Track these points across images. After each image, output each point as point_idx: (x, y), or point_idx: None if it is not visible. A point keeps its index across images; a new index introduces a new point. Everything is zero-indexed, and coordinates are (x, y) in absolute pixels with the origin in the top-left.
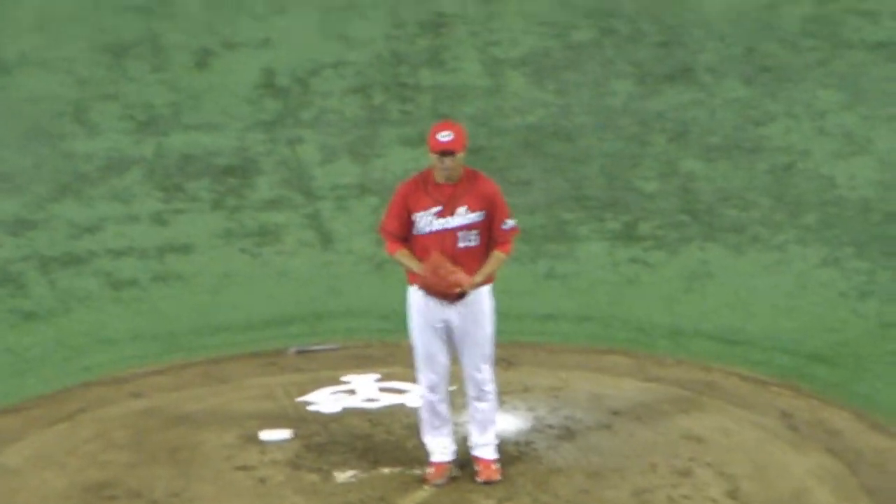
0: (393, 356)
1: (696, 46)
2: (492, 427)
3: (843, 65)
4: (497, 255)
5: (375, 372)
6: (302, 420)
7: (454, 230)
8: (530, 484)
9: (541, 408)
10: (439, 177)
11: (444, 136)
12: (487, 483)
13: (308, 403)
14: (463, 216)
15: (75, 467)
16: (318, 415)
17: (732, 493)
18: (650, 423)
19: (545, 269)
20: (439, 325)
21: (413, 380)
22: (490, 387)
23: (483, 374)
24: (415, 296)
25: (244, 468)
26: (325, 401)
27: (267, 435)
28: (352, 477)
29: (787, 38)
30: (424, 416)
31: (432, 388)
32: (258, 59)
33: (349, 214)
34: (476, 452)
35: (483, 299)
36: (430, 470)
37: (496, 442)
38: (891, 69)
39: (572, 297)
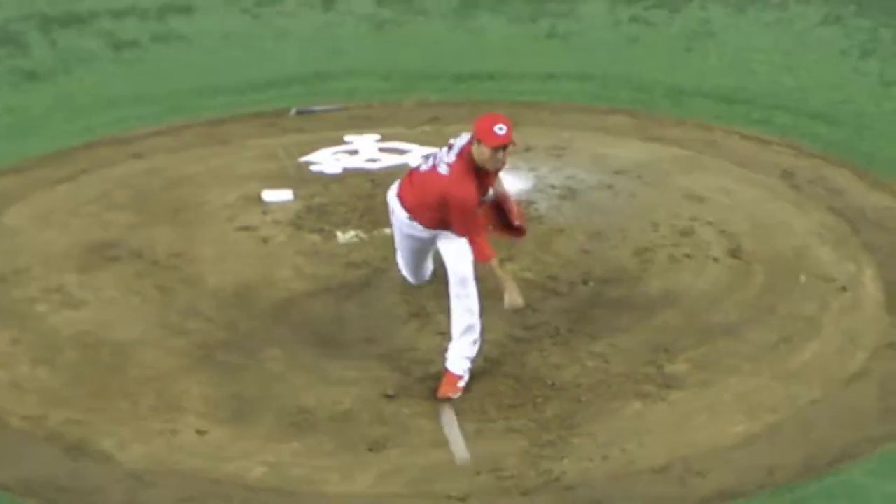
0: (394, 116)
1: None
2: None
3: None
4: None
5: (376, 132)
6: (303, 180)
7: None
8: (532, 243)
9: (543, 167)
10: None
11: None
12: None
13: (310, 163)
14: None
15: (77, 227)
16: (319, 175)
17: (734, 252)
18: (652, 182)
19: (546, 29)
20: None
21: (414, 140)
22: None
23: None
24: None
25: (246, 228)
26: (326, 161)
27: (269, 195)
28: (354, 237)
29: None
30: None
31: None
32: None
33: None
34: None
35: None
36: None
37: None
38: None
39: (573, 56)
